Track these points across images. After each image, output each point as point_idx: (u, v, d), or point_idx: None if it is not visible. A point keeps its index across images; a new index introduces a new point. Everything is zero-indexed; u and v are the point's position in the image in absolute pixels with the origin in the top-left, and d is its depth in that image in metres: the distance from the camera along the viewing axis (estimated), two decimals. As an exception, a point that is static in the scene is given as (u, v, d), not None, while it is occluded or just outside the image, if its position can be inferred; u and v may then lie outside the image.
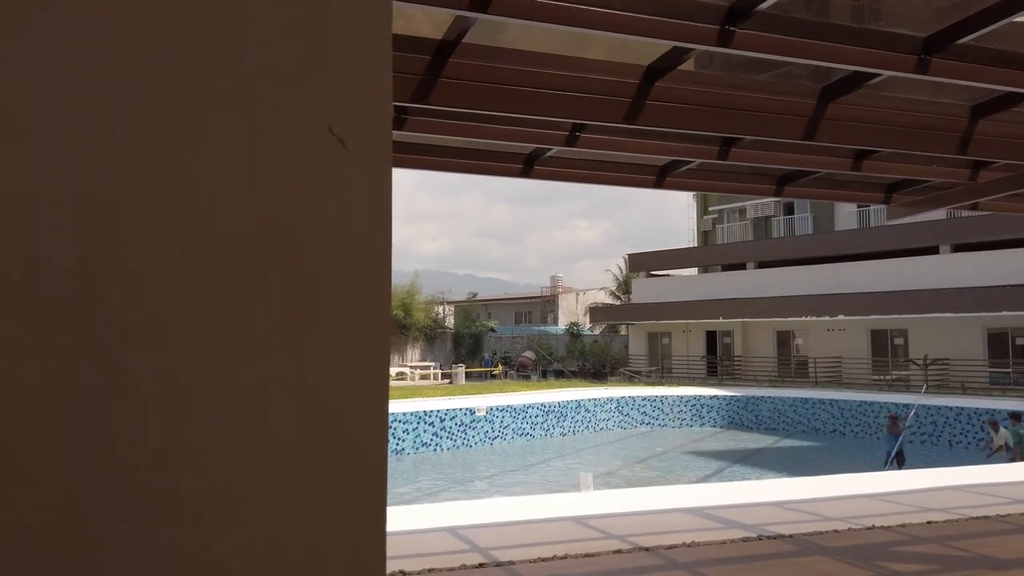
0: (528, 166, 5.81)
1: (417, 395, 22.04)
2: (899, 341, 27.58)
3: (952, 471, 9.65)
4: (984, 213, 24.96)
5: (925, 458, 14.81)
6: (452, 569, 5.11)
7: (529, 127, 4.82)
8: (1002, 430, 14.02)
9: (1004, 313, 23.70)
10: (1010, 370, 24.51)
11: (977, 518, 6.82)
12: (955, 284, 24.89)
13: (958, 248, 26.43)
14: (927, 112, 4.82)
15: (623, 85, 4.17)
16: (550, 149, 5.43)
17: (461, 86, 3.88)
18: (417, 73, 3.79)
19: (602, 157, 6.01)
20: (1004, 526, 6.52)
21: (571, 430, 21.78)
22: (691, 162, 5.87)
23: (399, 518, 6.83)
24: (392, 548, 5.67)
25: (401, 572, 5.01)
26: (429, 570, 5.07)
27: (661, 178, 6.24)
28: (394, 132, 4.89)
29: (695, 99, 4.33)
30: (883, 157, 5.76)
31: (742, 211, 39.60)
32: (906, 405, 19.49)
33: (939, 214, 30.88)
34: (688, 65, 4.21)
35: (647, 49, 4.00)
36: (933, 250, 26.88)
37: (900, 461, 14.16)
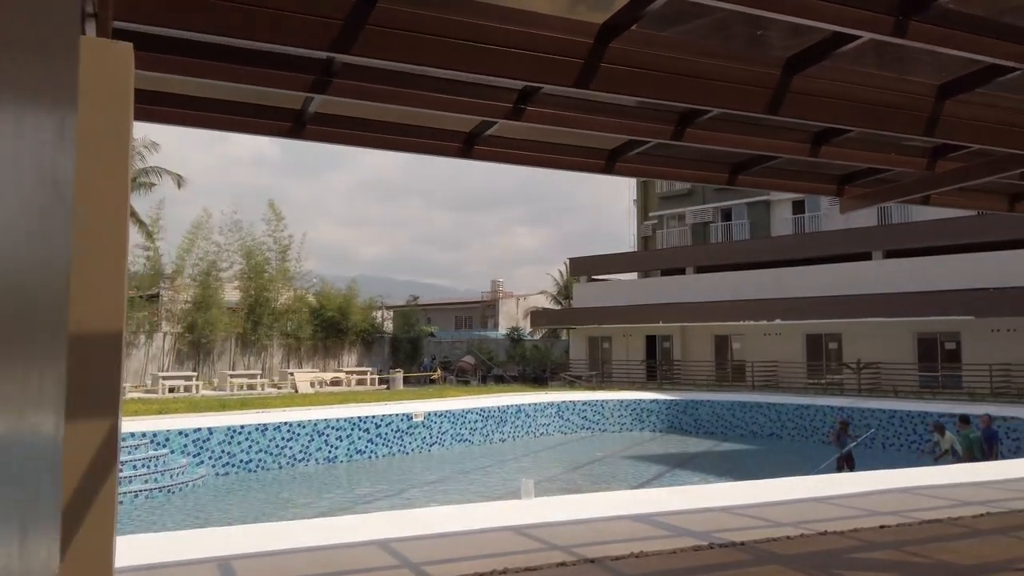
0: (468, 145, 5.33)
1: (352, 401, 21.26)
2: (833, 345, 28.03)
3: (897, 473, 9.53)
4: (916, 220, 25.58)
5: (860, 460, 14.85)
6: (380, 588, 4.59)
7: (470, 96, 4.34)
8: (948, 434, 14.11)
9: (933, 318, 24.27)
10: (938, 374, 25.11)
11: (929, 521, 6.61)
12: (887, 290, 25.41)
13: (890, 254, 27.01)
14: (894, 90, 4.53)
15: (575, 44, 3.73)
16: (493, 124, 4.97)
17: (390, 35, 3.38)
18: (338, 17, 3.28)
19: (549, 138, 5.58)
20: (959, 530, 6.32)
21: (511, 435, 21.33)
22: (642, 144, 5.49)
23: (324, 532, 6.25)
24: (314, 566, 5.10)
25: (321, 593, 4.45)
26: (353, 590, 4.53)
27: (611, 162, 5.84)
28: (317, 98, 4.35)
29: (653, 64, 3.92)
30: (842, 143, 5.48)
31: (681, 217, 39.94)
32: (869, 428, 19.59)
33: (872, 220, 31.64)
34: (645, 25, 3.80)
35: (602, 1, 3.58)
36: (866, 256, 27.42)
37: (850, 466, 14.15)
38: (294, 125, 4.75)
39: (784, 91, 4.24)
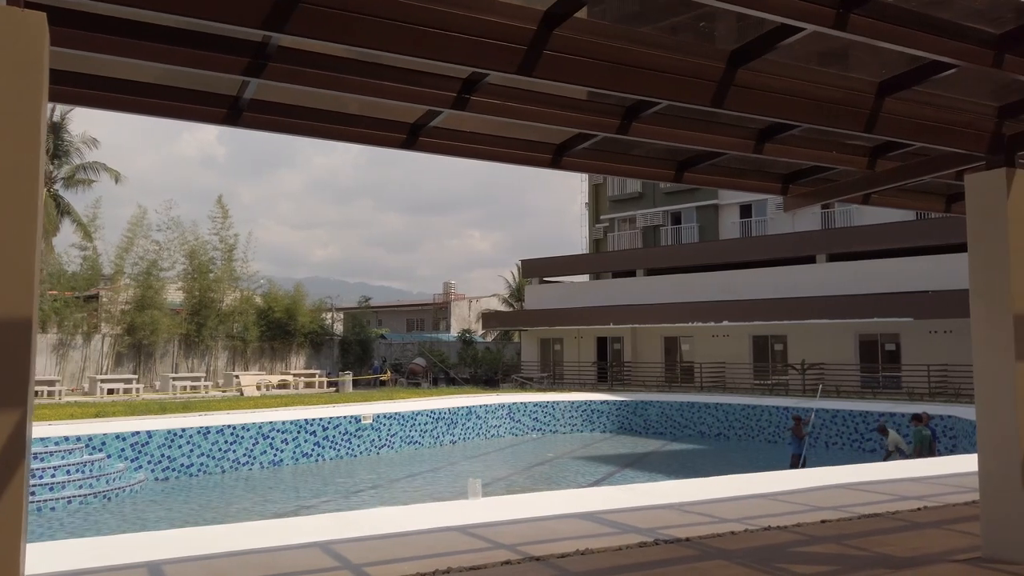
0: (413, 136, 5.22)
1: (298, 403, 20.88)
2: (779, 347, 28.57)
3: (838, 470, 9.70)
4: (858, 224, 26.17)
5: (805, 459, 15.11)
6: (318, 590, 4.44)
7: (412, 83, 4.24)
8: (892, 434, 14.42)
9: (875, 320, 24.92)
10: (879, 375, 25.79)
11: (869, 516, 6.72)
12: (830, 292, 26.00)
13: (833, 258, 27.65)
14: (836, 86, 4.58)
15: (519, 30, 3.66)
16: (439, 114, 4.87)
17: (325, 14, 3.26)
18: (273, -7, 3.15)
19: (496, 131, 5.51)
20: (897, 523, 6.43)
21: (462, 437, 21.19)
22: (590, 138, 5.46)
23: (261, 534, 6.06)
24: (251, 568, 4.92)
25: (256, 597, 4.29)
26: (290, 593, 4.38)
27: (559, 156, 5.80)
28: (253, 83, 4.20)
29: (598, 53, 3.88)
30: (786, 140, 5.53)
31: (632, 220, 40.35)
32: (806, 409, 20.01)
33: (816, 224, 32.37)
34: (591, 14, 3.76)
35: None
36: (811, 259, 28.02)
37: (799, 464, 14.37)
38: (230, 112, 4.58)
39: (728, 84, 4.24)
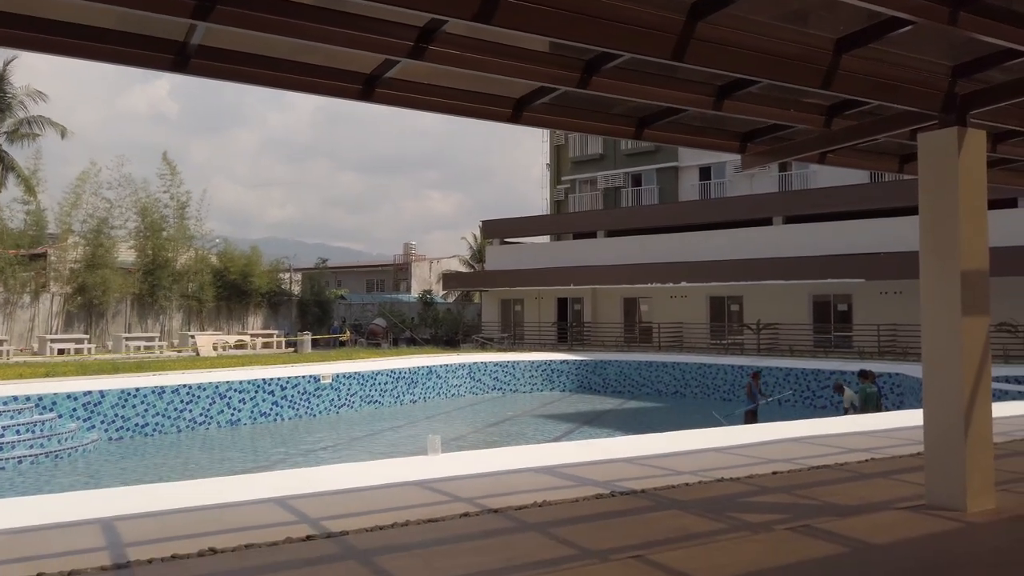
0: (369, 87, 5.10)
1: (256, 363, 20.67)
2: (735, 307, 29.07)
3: (791, 424, 9.96)
4: (814, 187, 26.58)
5: (760, 414, 15.49)
6: (275, 543, 4.42)
7: (366, 30, 4.12)
8: (847, 391, 14.75)
9: (828, 281, 25.46)
10: (831, 334, 26.44)
11: (818, 467, 6.92)
12: (786, 254, 26.45)
13: (790, 220, 28.07)
14: (795, 41, 4.58)
15: (476, -25, 3.57)
16: (395, 64, 4.76)
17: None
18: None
19: (455, 83, 5.41)
20: (844, 474, 6.64)
21: (422, 397, 21.25)
22: (550, 92, 5.39)
23: (217, 491, 6.01)
24: (207, 523, 4.89)
25: (211, 550, 4.26)
26: (246, 546, 4.36)
27: (518, 111, 5.72)
28: (200, 27, 4.04)
29: (558, 1, 3.81)
30: (744, 97, 5.53)
31: (593, 181, 40.39)
32: (743, 366, 20.46)
33: (774, 187, 32.74)
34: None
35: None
36: (767, 221, 28.40)
37: (751, 420, 14.68)
38: (177, 58, 4.41)
39: (689, 37, 4.21)
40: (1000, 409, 10.79)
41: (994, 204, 9.68)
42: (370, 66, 4.96)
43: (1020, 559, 4.35)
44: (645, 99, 5.30)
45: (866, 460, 7.24)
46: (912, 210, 9.76)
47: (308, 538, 4.54)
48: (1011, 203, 22.83)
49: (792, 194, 30.12)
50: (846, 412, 14.53)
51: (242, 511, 5.26)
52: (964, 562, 4.31)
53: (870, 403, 13.82)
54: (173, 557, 4.15)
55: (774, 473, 6.61)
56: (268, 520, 5.01)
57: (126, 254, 29.83)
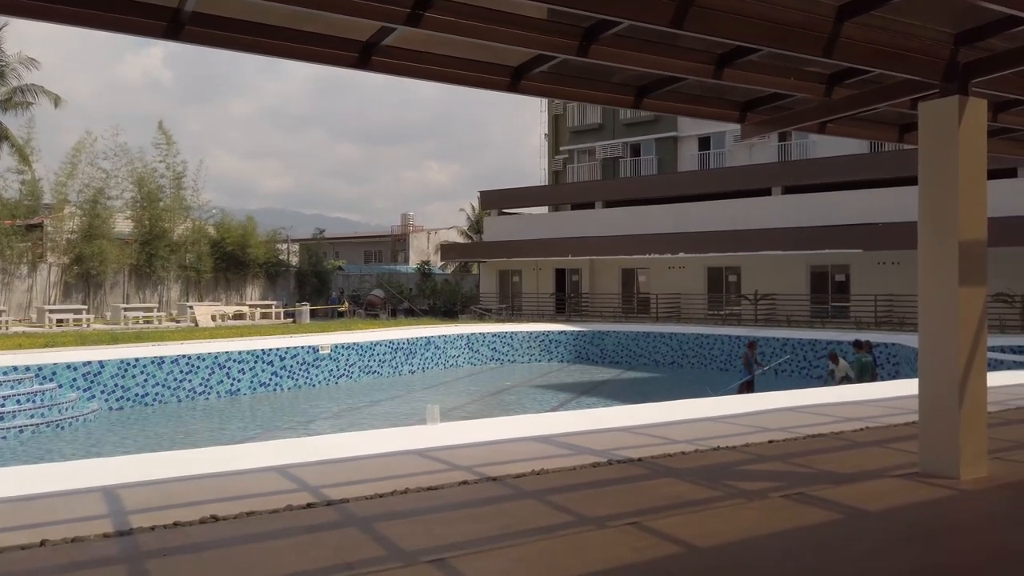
0: (366, 55, 5.05)
1: (255, 334, 20.71)
2: (733, 278, 29.08)
3: (787, 394, 10.03)
4: (813, 157, 26.42)
5: (758, 384, 15.58)
6: (275, 511, 4.48)
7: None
8: (842, 362, 14.80)
9: (826, 251, 25.45)
10: (828, 305, 26.51)
11: (813, 436, 6.98)
12: (784, 224, 26.41)
13: (789, 190, 27.98)
14: (797, 8, 4.52)
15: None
16: (392, 31, 4.71)
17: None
18: None
19: (453, 51, 5.35)
20: (840, 443, 6.70)
21: (420, 367, 21.34)
22: (549, 60, 5.34)
23: (218, 459, 6.07)
24: (208, 491, 4.94)
25: (213, 517, 4.31)
26: (248, 513, 4.41)
27: (516, 80, 5.67)
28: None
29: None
30: (744, 66, 5.48)
31: (591, 152, 40.15)
32: (740, 336, 20.54)
33: (773, 157, 32.58)
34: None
35: None
36: (766, 192, 28.32)
37: (747, 390, 14.77)
38: (170, 24, 4.36)
39: (688, 4, 4.17)
40: (995, 379, 10.86)
41: (993, 174, 9.65)
42: (367, 33, 4.91)
43: (1011, 525, 4.41)
44: (644, 67, 5.25)
45: (861, 429, 7.31)
46: (911, 180, 9.73)
47: (309, 506, 4.60)
48: (1011, 173, 22.76)
49: (790, 164, 29.98)
50: (838, 382, 14.57)
51: (243, 479, 5.31)
52: (956, 528, 4.37)
53: (865, 373, 13.89)
54: (175, 524, 4.20)
55: (770, 442, 6.68)
56: (269, 488, 5.06)
57: (123, 224, 29.73)
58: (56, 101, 31.28)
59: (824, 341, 19.66)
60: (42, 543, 3.86)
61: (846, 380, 14.37)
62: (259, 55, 4.72)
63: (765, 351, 20.68)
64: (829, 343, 19.44)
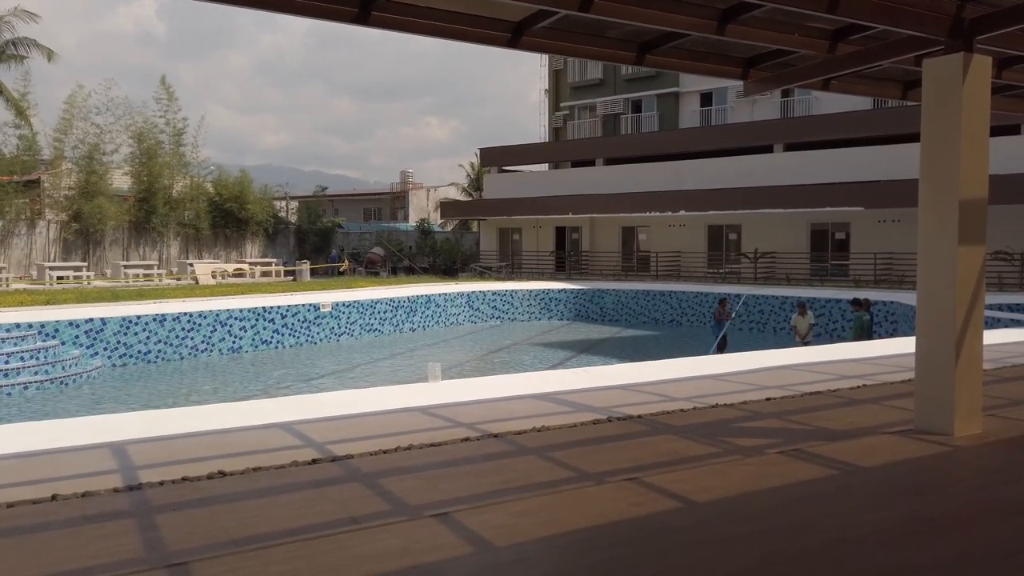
0: (364, 10, 4.99)
1: (256, 292, 20.78)
2: (733, 236, 29.05)
3: (785, 352, 10.11)
4: (815, 114, 26.17)
5: (753, 343, 15.69)
6: (281, 467, 4.56)
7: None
8: (808, 313, 14.86)
9: (827, 209, 25.38)
10: (828, 263, 26.53)
11: (811, 393, 7.07)
12: (785, 182, 26.28)
13: (790, 147, 27.77)
14: (802, -37, 4.46)
15: None
16: (390, -14, 4.64)
17: None
18: None
19: (453, 6, 5.28)
20: (837, 400, 6.79)
21: (421, 325, 21.45)
22: (550, 15, 5.28)
23: (224, 416, 6.15)
24: (214, 447, 5.03)
25: (220, 472, 4.39)
26: (254, 469, 4.49)
27: (517, 36, 5.61)
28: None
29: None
30: (747, 21, 5.42)
31: (592, 108, 39.72)
32: (737, 295, 20.62)
33: (775, 114, 32.26)
34: None
35: None
36: (768, 149, 28.11)
37: (722, 347, 14.86)
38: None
39: (693, -42, 4.09)
40: (992, 336, 10.95)
41: (996, 131, 9.59)
42: (366, -12, 4.84)
43: (1003, 479, 4.50)
44: (647, 23, 5.19)
45: (858, 386, 7.39)
46: (914, 137, 9.67)
47: (314, 461, 4.68)
48: (1014, 130, 22.58)
49: (792, 120, 29.70)
50: (804, 336, 14.59)
51: (249, 435, 5.39)
52: (949, 483, 4.46)
53: (863, 331, 13.98)
54: (183, 479, 4.28)
55: (767, 399, 6.76)
56: (274, 444, 5.14)
57: (121, 180, 29.58)
58: (49, 56, 30.83)
59: (823, 299, 19.72)
60: (53, 497, 3.94)
61: (811, 335, 14.43)
62: (258, 9, 4.66)
63: (764, 310, 20.78)
64: (828, 301, 19.51)
